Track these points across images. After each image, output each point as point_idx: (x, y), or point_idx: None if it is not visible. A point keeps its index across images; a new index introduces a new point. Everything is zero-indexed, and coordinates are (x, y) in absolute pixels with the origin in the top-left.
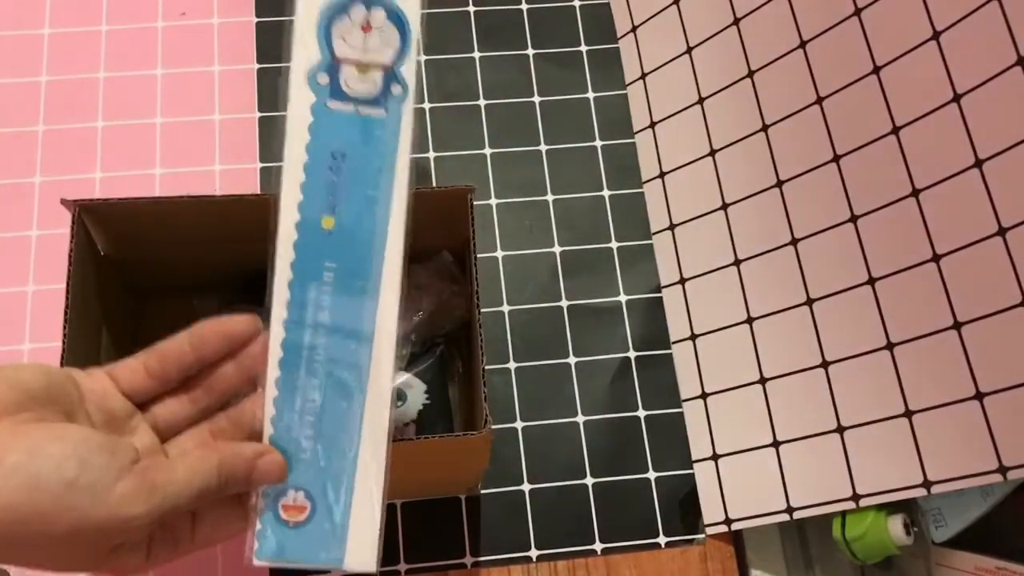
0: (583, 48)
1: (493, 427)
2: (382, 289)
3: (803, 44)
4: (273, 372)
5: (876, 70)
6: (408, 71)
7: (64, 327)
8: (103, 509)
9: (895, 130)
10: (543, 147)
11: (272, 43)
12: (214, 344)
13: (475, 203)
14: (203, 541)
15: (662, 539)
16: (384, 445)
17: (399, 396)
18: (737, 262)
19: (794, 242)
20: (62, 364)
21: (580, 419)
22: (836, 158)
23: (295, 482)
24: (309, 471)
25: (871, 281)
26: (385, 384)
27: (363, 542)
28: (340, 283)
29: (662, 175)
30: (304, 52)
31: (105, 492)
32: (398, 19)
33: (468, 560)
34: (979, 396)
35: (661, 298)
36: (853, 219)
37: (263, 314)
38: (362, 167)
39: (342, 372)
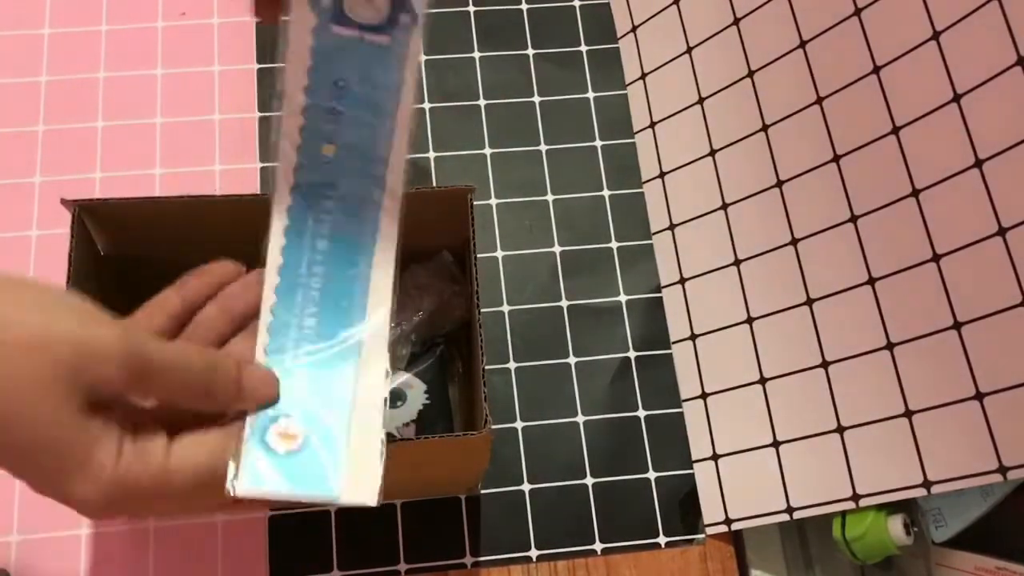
0: (583, 48)
1: (493, 427)
2: (383, 218)
3: (803, 44)
4: (269, 298)
5: (876, 70)
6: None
7: None
8: (75, 323)
9: (895, 130)
10: (543, 147)
11: (272, 43)
12: (198, 286)
13: (475, 203)
14: (178, 463)
15: (662, 539)
16: (383, 375)
17: (399, 396)
18: (737, 262)
19: (794, 242)
20: None
21: (580, 419)
22: (836, 158)
23: (287, 409)
24: (303, 397)
25: (871, 281)
26: (384, 315)
27: (363, 473)
28: (340, 210)
29: (662, 175)
30: None
31: (80, 310)
32: None
33: (468, 560)
34: (979, 396)
35: (661, 298)
36: (853, 219)
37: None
38: (364, 96)
39: (340, 299)
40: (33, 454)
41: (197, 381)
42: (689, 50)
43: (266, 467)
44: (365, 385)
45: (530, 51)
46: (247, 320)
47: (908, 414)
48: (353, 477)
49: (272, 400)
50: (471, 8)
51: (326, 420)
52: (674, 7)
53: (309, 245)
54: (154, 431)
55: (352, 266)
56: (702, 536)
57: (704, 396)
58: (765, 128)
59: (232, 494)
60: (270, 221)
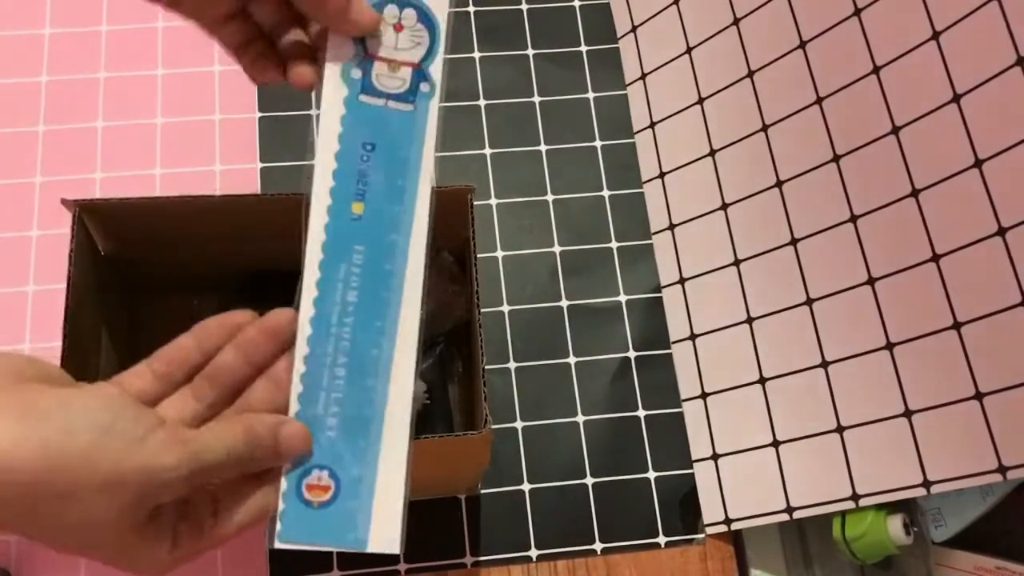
0: (583, 48)
1: (493, 427)
2: (408, 272)
3: (803, 44)
4: (301, 349)
5: (876, 70)
6: (436, 70)
7: (64, 327)
8: (138, 456)
9: (895, 130)
10: (543, 147)
11: None
12: (218, 338)
13: (475, 203)
14: (225, 527)
15: (662, 539)
16: (407, 425)
17: None
18: (737, 262)
19: (794, 242)
20: (62, 364)
21: (580, 419)
22: (836, 158)
23: (319, 460)
24: (333, 449)
25: (871, 281)
26: (409, 366)
27: (388, 522)
28: (369, 265)
29: (662, 175)
30: (339, 48)
31: (139, 441)
32: (428, 20)
33: (468, 560)
34: (979, 396)
35: (661, 298)
36: (853, 219)
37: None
38: (390, 158)
39: (369, 350)
40: (102, 555)
41: (242, 456)
42: (689, 50)
43: (303, 522)
44: (391, 434)
45: (530, 51)
46: (267, 365)
47: (908, 414)
48: (380, 524)
49: (306, 453)
50: (471, 8)
51: (356, 470)
52: (674, 7)
53: (340, 298)
54: (200, 501)
55: (380, 319)
56: (702, 536)
57: (704, 396)
58: (765, 128)
59: (274, 547)
60: (301, 272)
